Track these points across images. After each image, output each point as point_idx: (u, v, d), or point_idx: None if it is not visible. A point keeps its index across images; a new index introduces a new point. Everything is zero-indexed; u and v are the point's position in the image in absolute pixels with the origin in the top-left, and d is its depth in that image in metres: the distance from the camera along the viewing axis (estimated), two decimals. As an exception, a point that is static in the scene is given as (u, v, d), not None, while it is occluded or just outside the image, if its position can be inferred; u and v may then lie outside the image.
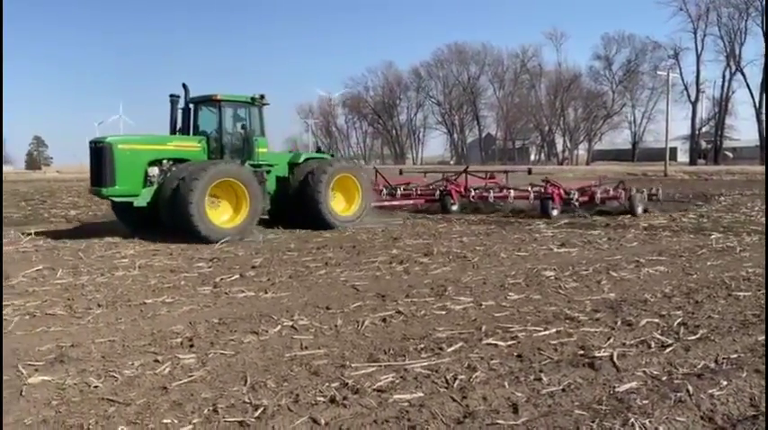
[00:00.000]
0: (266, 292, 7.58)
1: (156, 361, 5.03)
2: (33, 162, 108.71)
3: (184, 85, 13.84)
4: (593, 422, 3.76)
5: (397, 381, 4.51)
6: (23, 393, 4.36)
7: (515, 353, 5.16)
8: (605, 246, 11.13)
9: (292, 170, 14.54)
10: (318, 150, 16.55)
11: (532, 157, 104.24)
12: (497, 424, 3.79)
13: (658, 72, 75.08)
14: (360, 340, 5.60)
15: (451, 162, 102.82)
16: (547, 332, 5.75)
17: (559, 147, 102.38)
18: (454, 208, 18.52)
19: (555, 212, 16.15)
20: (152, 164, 12.69)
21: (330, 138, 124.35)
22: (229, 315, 6.52)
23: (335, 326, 6.05)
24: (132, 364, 4.94)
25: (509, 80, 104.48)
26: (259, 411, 3.97)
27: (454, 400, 4.15)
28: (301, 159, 14.75)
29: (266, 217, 14.44)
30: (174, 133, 13.78)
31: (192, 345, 5.44)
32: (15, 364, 4.93)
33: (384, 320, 6.24)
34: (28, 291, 7.74)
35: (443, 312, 6.56)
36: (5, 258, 9.89)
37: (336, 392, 4.27)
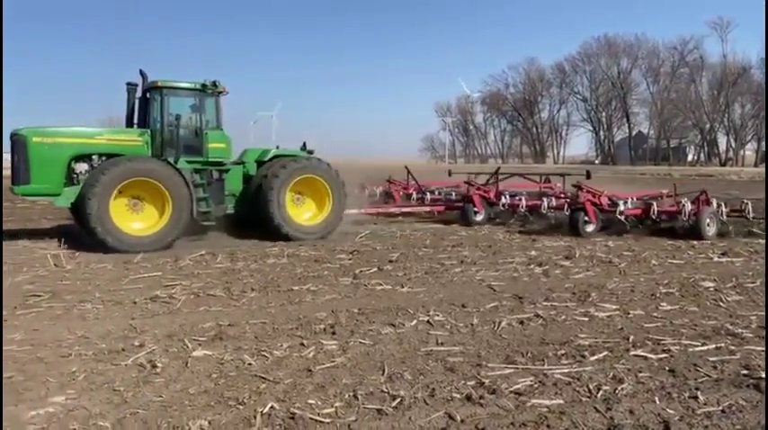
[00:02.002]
0: (403, 287, 7.73)
1: (302, 344, 5.35)
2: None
3: (142, 72, 12.01)
4: (759, 451, 3.38)
5: (536, 386, 4.38)
6: (188, 365, 4.85)
7: (667, 368, 4.79)
8: (777, 258, 9.91)
9: (259, 169, 12.62)
10: (303, 147, 13.68)
11: (690, 158, 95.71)
12: (646, 441, 3.55)
13: None
14: (496, 340, 5.52)
15: (596, 162, 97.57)
16: (705, 347, 5.27)
17: (722, 147, 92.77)
18: (478, 217, 14.97)
19: (590, 228, 12.62)
20: (78, 160, 11.05)
21: (467, 137, 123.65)
22: (368, 306, 6.74)
23: (471, 324, 6.02)
24: (281, 346, 5.30)
25: (665, 74, 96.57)
26: (396, 401, 4.07)
27: (597, 411, 3.95)
28: (268, 157, 12.66)
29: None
30: (131, 125, 12.10)
31: (334, 332, 5.71)
32: (182, 338, 5.49)
33: (522, 323, 6.09)
34: (193, 273, 8.60)
35: (586, 318, 6.26)
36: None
37: (473, 390, 4.25)
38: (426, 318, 6.20)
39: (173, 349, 5.22)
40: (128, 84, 12.08)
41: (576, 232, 12.38)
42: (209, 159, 11.90)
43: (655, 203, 13.02)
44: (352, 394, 4.21)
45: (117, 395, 4.22)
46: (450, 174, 20.82)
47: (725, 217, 12.73)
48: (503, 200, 15.03)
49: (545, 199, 14.20)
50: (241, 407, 4.02)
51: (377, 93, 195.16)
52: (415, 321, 6.10)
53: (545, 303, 6.87)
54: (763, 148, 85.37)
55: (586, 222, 12.53)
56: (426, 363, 4.86)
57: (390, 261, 9.56)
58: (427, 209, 16.35)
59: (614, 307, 6.69)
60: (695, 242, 11.60)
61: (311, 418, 3.82)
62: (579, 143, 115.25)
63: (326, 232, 12.46)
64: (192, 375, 4.63)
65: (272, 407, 3.99)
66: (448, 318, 6.24)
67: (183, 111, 11.95)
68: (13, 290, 7.46)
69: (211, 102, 12.12)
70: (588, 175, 16.30)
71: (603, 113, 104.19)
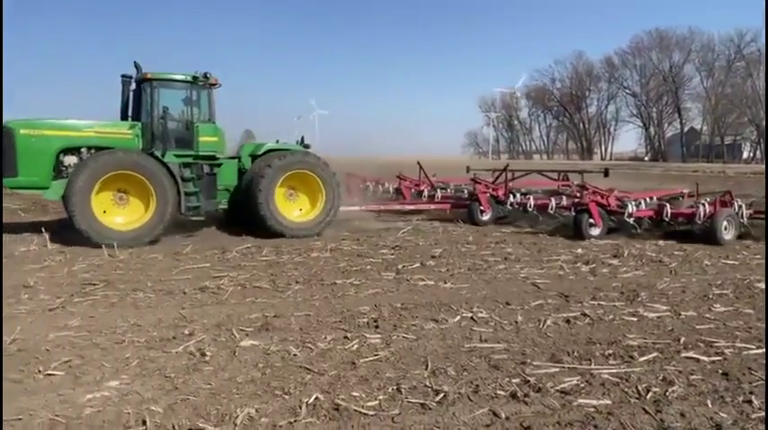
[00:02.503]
0: (445, 283, 7.70)
1: (346, 337, 5.40)
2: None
3: (136, 64, 11.70)
4: (820, 460, 3.24)
5: (582, 385, 4.31)
6: (236, 354, 4.97)
7: (720, 371, 4.63)
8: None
9: (252, 164, 12.24)
10: (302, 142, 13.25)
11: (745, 155, 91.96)
12: (697, 445, 3.45)
13: None
14: (541, 339, 5.45)
15: (646, 158, 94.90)
16: (760, 351, 5.07)
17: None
18: (485, 217, 14.06)
19: (595, 232, 11.55)
20: (67, 152, 10.85)
21: (512, 132, 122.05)
22: (411, 301, 6.75)
23: (515, 322, 5.96)
24: (325, 338, 5.36)
25: (720, 68, 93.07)
26: (440, 396, 4.07)
27: (647, 412, 3.86)
28: (262, 151, 12.24)
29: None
30: (126, 118, 11.83)
31: (377, 326, 5.75)
32: (230, 328, 5.63)
33: (568, 321, 5.99)
34: (240, 265, 8.79)
35: (635, 319, 6.11)
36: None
37: (517, 388, 4.22)
38: (470, 315, 6.17)
39: (221, 338, 5.35)
40: (122, 76, 11.79)
41: (579, 235, 11.43)
42: (200, 153, 11.56)
43: (668, 205, 11.79)
44: (395, 388, 4.23)
45: (168, 381, 4.36)
46: (468, 171, 19.43)
47: (746, 219, 11.53)
48: (510, 199, 14.16)
49: (553, 198, 13.39)
50: (287, 396, 4.09)
51: (419, 88, 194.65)
52: (458, 317, 6.08)
53: (592, 302, 6.74)
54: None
55: (591, 225, 11.55)
56: (470, 360, 4.84)
57: (433, 257, 9.54)
58: (432, 207, 15.45)
59: (665, 307, 6.51)
60: (749, 242, 11.16)
61: (355, 410, 3.86)
62: (628, 139, 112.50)
63: (318, 229, 12.00)
64: (239, 364, 4.74)
65: (316, 397, 4.05)
66: (492, 314, 6.19)
67: (175, 104, 11.71)
68: (71, 278, 7.78)
69: (204, 94, 11.80)
70: (606, 173, 15.70)
71: (654, 109, 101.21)
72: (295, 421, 3.71)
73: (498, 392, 4.17)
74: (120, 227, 10.50)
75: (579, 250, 10.26)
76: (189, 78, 11.54)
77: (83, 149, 10.96)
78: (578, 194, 13.28)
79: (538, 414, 3.84)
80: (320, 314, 6.17)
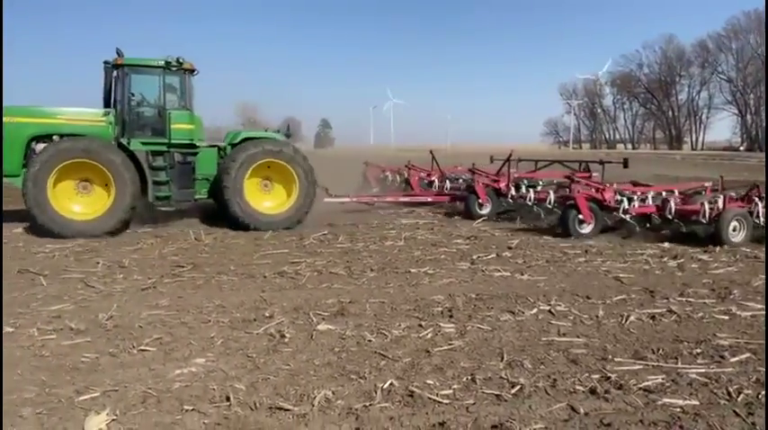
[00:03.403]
0: (522, 274, 7.56)
1: (420, 325, 5.43)
2: (320, 141, 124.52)
3: (118, 51, 11.11)
4: None
5: (668, 384, 4.12)
6: (313, 337, 5.10)
7: (824, 377, 4.29)
8: None
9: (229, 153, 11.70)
10: (287, 130, 12.73)
11: None
12: (796, 454, 3.22)
13: None
14: (623, 335, 5.25)
15: (741, 148, 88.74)
16: None
17: None
18: (483, 210, 13.08)
19: (585, 229, 10.36)
20: (39, 140, 10.65)
21: (594, 121, 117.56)
22: (486, 292, 6.67)
23: (596, 316, 5.76)
24: (399, 326, 5.41)
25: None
26: (516, 388, 4.01)
27: (737, 415, 3.65)
28: (239, 139, 11.66)
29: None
30: (109, 105, 11.41)
31: (451, 316, 5.73)
32: (307, 312, 5.79)
33: (653, 318, 5.73)
34: (316, 251, 9.00)
35: (726, 317, 5.76)
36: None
37: (597, 384, 4.09)
38: (547, 308, 6.03)
39: (299, 321, 5.52)
40: (105, 62, 11.34)
41: (566, 233, 10.32)
42: (173, 141, 11.15)
43: (672, 200, 10.43)
44: (470, 378, 4.21)
45: (250, 361, 4.54)
46: (491, 161, 18.34)
47: (762, 219, 10.15)
48: (512, 191, 13.05)
49: (551, 191, 12.10)
50: (362, 381, 4.17)
51: (497, 76, 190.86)
52: (535, 310, 5.96)
53: (679, 298, 6.41)
54: None
55: (581, 221, 10.35)
56: (547, 353, 4.74)
57: (509, 247, 9.38)
58: (429, 199, 14.58)
59: (759, 306, 6.10)
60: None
61: (429, 398, 3.87)
62: (721, 128, 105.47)
63: (291, 222, 11.35)
64: (316, 347, 4.86)
65: (391, 383, 4.10)
66: (571, 308, 6.02)
67: (149, 91, 11.36)
68: (161, 260, 8.24)
69: (177, 80, 11.36)
70: (626, 164, 13.71)
71: (751, 95, 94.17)
72: (370, 405, 3.77)
73: (577, 387, 4.06)
74: (78, 216, 10.21)
75: (666, 244, 9.77)
76: (160, 63, 11.10)
77: (54, 137, 10.72)
78: (602, 185, 12.07)
79: (619, 411, 3.71)
80: (394, 301, 6.22)
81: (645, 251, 9.13)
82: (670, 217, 10.30)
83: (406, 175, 16.63)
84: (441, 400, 3.84)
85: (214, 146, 11.83)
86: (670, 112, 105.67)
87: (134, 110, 11.20)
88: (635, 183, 12.46)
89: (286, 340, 5.00)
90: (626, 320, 5.62)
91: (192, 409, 3.71)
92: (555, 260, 8.47)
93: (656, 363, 4.51)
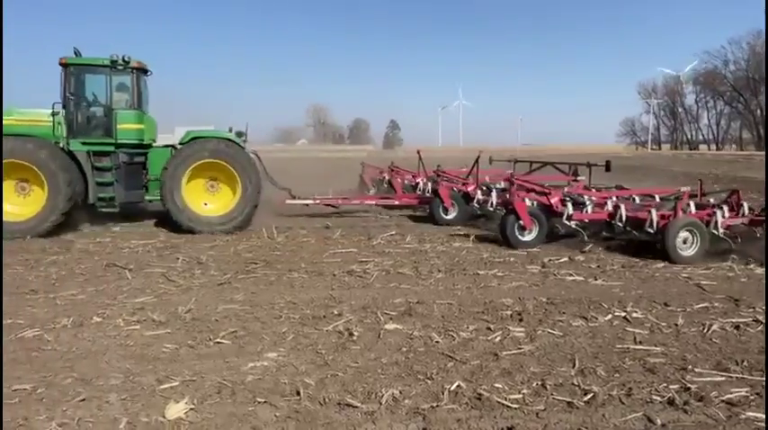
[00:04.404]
0: (596, 279, 7.32)
1: (488, 328, 5.36)
2: (388, 142, 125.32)
3: (75, 51, 10.99)
4: None
5: (752, 398, 3.89)
6: (381, 336, 5.15)
7: None
8: None
9: None
10: (245, 133, 12.18)
11: None
12: None
13: None
14: (705, 344, 4.99)
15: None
16: None
17: None
18: (448, 216, 12.16)
19: (527, 237, 9.42)
20: None
21: (675, 120, 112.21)
22: (557, 296, 6.51)
23: (675, 324, 5.50)
24: (467, 328, 5.37)
25: None
26: (588, 396, 3.90)
27: (834, 437, 3.39)
28: (187, 139, 11.12)
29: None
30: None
31: (521, 319, 5.63)
32: (375, 311, 5.84)
33: (737, 327, 5.41)
34: (384, 251, 9.06)
35: (821, 330, 5.36)
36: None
37: (676, 395, 3.91)
38: (623, 314, 5.81)
39: (367, 320, 5.58)
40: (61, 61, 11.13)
41: (506, 241, 9.39)
42: (120, 141, 10.96)
43: (623, 207, 9.30)
44: (540, 383, 4.12)
45: (319, 357, 4.64)
46: (491, 162, 17.58)
47: (721, 231, 8.86)
48: (478, 195, 12.10)
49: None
50: (429, 381, 4.17)
51: (571, 74, 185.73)
52: (609, 316, 5.76)
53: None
54: None
55: (522, 228, 9.40)
56: (622, 361, 4.57)
57: (582, 251, 9.10)
58: (396, 202, 13.83)
59: None
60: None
61: (498, 401, 3.83)
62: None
63: (232, 225, 10.85)
64: (383, 346, 4.90)
65: (458, 385, 4.07)
66: (648, 315, 5.78)
67: (96, 91, 11.20)
68: (236, 257, 8.56)
69: (125, 80, 11.12)
70: (608, 167, 12.55)
71: None
72: (437, 406, 3.77)
73: (654, 397, 3.90)
74: (11, 217, 10.05)
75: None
76: (106, 63, 10.86)
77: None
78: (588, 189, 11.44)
79: (699, 424, 3.53)
80: (462, 303, 6.18)
81: (729, 257, 8.62)
82: (620, 225, 9.25)
83: (387, 177, 16.06)
84: (509, 405, 3.78)
85: (169, 146, 11.48)
86: (758, 112, 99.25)
87: (79, 110, 11.00)
88: (620, 187, 11.85)
89: (354, 338, 5.07)
90: (708, 329, 5.34)
91: (265, 402, 3.84)
92: (631, 265, 8.14)
93: (739, 375, 4.27)
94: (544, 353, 4.75)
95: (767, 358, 4.64)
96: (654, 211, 8.78)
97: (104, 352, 4.72)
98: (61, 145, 10.69)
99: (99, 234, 10.54)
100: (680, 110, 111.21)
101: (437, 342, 5.01)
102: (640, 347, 4.90)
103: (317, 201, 13.09)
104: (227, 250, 9.07)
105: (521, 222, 9.37)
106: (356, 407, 3.76)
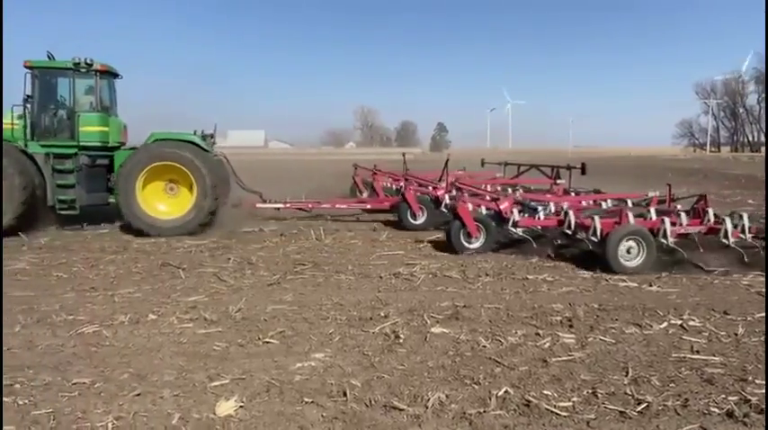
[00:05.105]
0: (651, 285, 7.08)
1: (537, 334, 5.27)
2: (435, 144, 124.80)
3: (48, 54, 11.19)
4: None
5: (821, 414, 3.68)
6: (427, 339, 5.12)
7: None
8: None
9: None
10: (214, 130, 12.29)
11: None
12: None
13: None
14: None
15: None
16: None
17: None
18: (417, 221, 11.64)
19: (474, 244, 9.00)
20: None
21: (735, 121, 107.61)
22: (610, 302, 6.33)
23: (735, 334, 5.27)
24: (515, 333, 5.28)
25: None
26: (642, 406, 3.77)
27: None
28: (151, 140, 11.15)
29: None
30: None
31: (571, 325, 5.50)
32: (422, 314, 5.82)
33: (804, 339, 5.14)
34: (431, 254, 9.04)
35: None
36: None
37: (735, 407, 3.74)
38: (679, 322, 5.60)
39: (413, 323, 5.57)
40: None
41: (452, 248, 9.02)
42: (82, 143, 11.01)
43: (571, 212, 8.75)
44: (591, 391, 4.02)
45: (366, 358, 4.66)
46: (483, 164, 17.36)
47: (671, 239, 8.16)
48: (446, 199, 11.46)
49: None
50: (476, 386, 4.12)
51: (624, 73, 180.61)
52: (665, 324, 5.56)
53: (837, 319, 5.70)
54: None
55: (468, 235, 9.02)
56: (678, 371, 4.41)
57: (636, 256, 8.81)
58: (368, 206, 13.44)
59: None
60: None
61: (547, 409, 3.75)
62: None
63: (187, 229, 10.73)
64: (430, 349, 4.88)
65: (506, 391, 4.02)
66: (706, 324, 5.55)
67: (59, 93, 11.28)
68: (284, 258, 8.69)
69: (89, 82, 11.20)
70: (583, 170, 12.27)
71: None
72: (484, 411, 3.72)
73: (711, 409, 3.74)
74: None
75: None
76: (69, 65, 10.95)
77: None
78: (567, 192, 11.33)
79: (762, 440, 3.37)
80: (510, 308, 6.09)
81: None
82: (569, 232, 8.73)
83: (370, 180, 15.59)
84: (559, 412, 3.70)
85: (134, 148, 11.47)
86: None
87: (41, 112, 11.08)
88: (597, 191, 11.46)
89: (401, 340, 5.07)
90: (771, 340, 5.09)
91: (312, 402, 3.88)
92: (689, 272, 7.84)
93: (807, 390, 4.04)
94: (595, 361, 4.63)
95: (767, 359, 4.49)
96: (597, 218, 8.28)
97: (159, 348, 4.88)
98: (21, 147, 10.78)
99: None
100: (741, 110, 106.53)
101: (484, 346, 4.95)
102: (698, 357, 4.71)
103: (288, 205, 12.76)
104: (276, 251, 9.22)
105: (466, 229, 9.03)
106: (402, 409, 3.75)
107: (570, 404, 3.83)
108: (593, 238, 8.23)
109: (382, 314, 5.83)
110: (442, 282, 7.22)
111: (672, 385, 4.14)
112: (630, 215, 8.38)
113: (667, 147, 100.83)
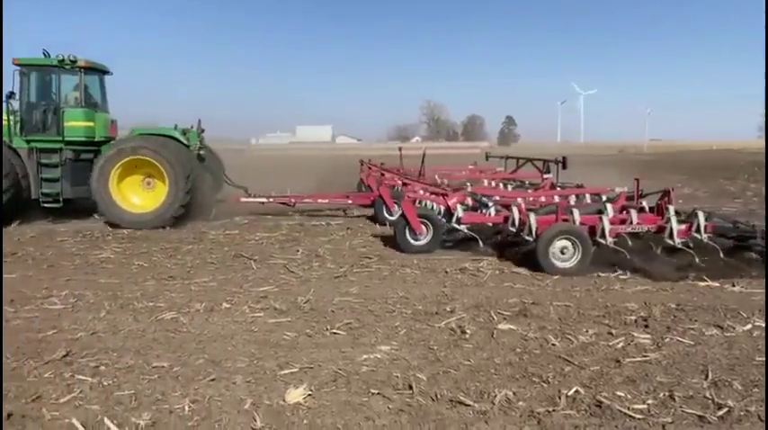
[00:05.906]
0: (734, 285, 6.70)
1: (610, 333, 5.10)
2: (503, 138, 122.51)
3: (44, 52, 11.37)
4: None
5: None
6: (494, 336, 5.06)
7: None
8: None
9: None
10: (199, 124, 12.35)
11: None
12: None
13: None
14: None
15: None
16: None
17: None
18: (393, 216, 10.96)
19: (419, 242, 8.60)
20: None
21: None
22: (689, 302, 6.04)
23: (829, 339, 4.91)
24: (586, 331, 5.13)
25: None
26: (722, 411, 3.59)
27: None
28: (133, 135, 11.52)
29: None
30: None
31: (646, 325, 5.29)
32: (488, 310, 5.75)
33: None
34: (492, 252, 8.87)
35: None
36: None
37: (829, 418, 3.49)
38: (764, 324, 5.28)
39: (479, 319, 5.51)
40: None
41: (399, 247, 8.66)
42: (67, 138, 11.27)
43: (515, 209, 8.35)
44: (667, 394, 3.85)
45: (431, 353, 4.65)
46: (487, 158, 16.85)
47: (610, 239, 7.65)
48: (459, 212, 10.55)
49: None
50: (545, 385, 4.04)
51: (704, 62, 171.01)
52: (748, 325, 5.25)
53: None
54: None
55: (414, 232, 8.62)
56: (763, 375, 4.15)
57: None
58: (350, 201, 12.94)
59: None
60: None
61: (619, 410, 3.63)
62: None
63: (160, 222, 10.85)
64: (497, 346, 4.82)
65: (576, 390, 3.91)
66: (795, 327, 5.20)
67: (45, 89, 11.58)
68: (351, 251, 8.80)
69: (73, 79, 11.48)
70: (564, 164, 11.88)
71: None
72: (553, 410, 3.64)
73: (801, 418, 3.51)
74: None
75: None
76: (54, 62, 11.21)
77: None
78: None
79: None
80: (581, 306, 5.92)
81: None
82: (513, 230, 8.34)
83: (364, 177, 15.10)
84: (633, 414, 3.57)
85: (94, 144, 11.72)
86: None
87: (28, 108, 11.39)
88: (579, 186, 11.10)
89: (467, 336, 5.03)
90: None
91: (378, 393, 3.92)
92: (775, 271, 7.36)
93: None
94: (672, 363, 4.43)
95: (767, 361, 4.26)
96: (532, 216, 7.91)
97: (232, 336, 5.06)
98: (6, 142, 11.14)
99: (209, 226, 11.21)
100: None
101: (553, 344, 4.84)
102: (786, 362, 4.42)
103: (272, 200, 12.70)
104: (342, 244, 9.35)
105: (412, 225, 8.65)
106: (468, 405, 3.73)
107: (645, 406, 3.68)
108: (527, 238, 7.91)
109: (448, 309, 5.80)
110: (510, 279, 7.10)
111: (755, 390, 3.91)
112: (576, 213, 8.03)
113: (753, 140, 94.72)
